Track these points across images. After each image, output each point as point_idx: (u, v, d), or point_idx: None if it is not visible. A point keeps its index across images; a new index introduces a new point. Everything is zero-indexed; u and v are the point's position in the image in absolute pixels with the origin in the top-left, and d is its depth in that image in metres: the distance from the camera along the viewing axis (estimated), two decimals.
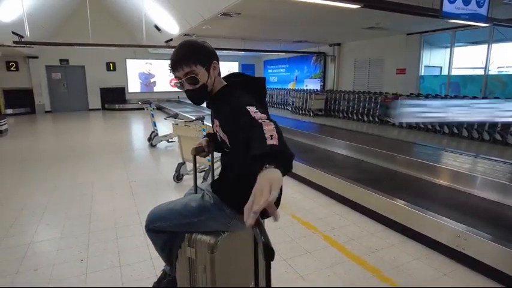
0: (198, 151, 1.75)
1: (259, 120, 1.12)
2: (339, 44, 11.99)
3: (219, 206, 1.51)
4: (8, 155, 6.57)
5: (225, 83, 1.50)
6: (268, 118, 1.15)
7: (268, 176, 0.94)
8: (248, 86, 1.46)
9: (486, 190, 3.62)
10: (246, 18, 7.21)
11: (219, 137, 1.49)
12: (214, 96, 1.48)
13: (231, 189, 1.48)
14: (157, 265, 2.44)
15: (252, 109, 1.19)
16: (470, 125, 6.97)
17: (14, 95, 12.79)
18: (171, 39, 10.04)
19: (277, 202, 1.46)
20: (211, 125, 1.61)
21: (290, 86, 15.08)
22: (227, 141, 1.41)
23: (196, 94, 1.45)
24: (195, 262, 1.52)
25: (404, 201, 3.09)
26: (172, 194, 4.09)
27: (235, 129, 1.25)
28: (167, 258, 1.75)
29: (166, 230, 1.62)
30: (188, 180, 4.51)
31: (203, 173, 4.22)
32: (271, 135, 1.06)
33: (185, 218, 1.55)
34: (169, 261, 1.74)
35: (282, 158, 1.01)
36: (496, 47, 7.76)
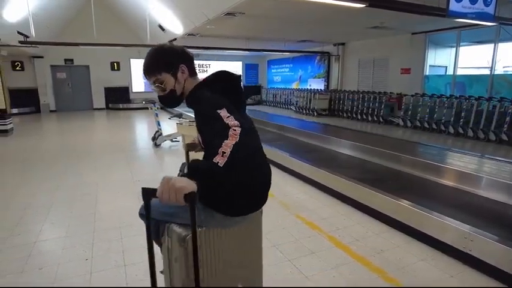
0: (191, 147, 1.76)
1: (229, 130, 1.18)
2: (343, 44, 11.94)
3: None
4: (14, 154, 6.62)
5: (198, 82, 1.51)
6: (240, 125, 1.19)
7: (178, 183, 1.09)
8: (223, 85, 1.45)
9: (492, 191, 3.59)
10: (250, 18, 7.20)
11: (199, 136, 1.52)
12: (186, 98, 1.52)
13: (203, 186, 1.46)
14: (158, 265, 2.44)
15: (223, 113, 1.23)
16: (475, 125, 6.93)
17: (19, 94, 12.88)
18: (175, 39, 10.05)
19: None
20: None
21: (294, 85, 15.05)
22: (201, 140, 1.46)
23: (167, 99, 1.51)
24: (171, 252, 1.53)
25: (410, 202, 3.07)
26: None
27: (207, 132, 1.32)
28: (157, 243, 1.76)
29: (151, 217, 1.64)
30: None
31: None
32: (224, 152, 1.13)
33: (163, 207, 1.52)
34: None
35: (208, 179, 1.14)
36: (503, 46, 7.68)
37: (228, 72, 1.53)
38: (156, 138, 6.82)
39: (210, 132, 1.27)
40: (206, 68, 16.66)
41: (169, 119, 6.45)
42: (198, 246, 1.23)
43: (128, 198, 3.81)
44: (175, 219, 1.53)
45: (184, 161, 4.69)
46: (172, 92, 1.48)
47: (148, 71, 1.47)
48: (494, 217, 3.16)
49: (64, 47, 12.13)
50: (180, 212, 1.51)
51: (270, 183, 1.57)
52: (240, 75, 1.58)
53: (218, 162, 1.12)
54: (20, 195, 4.05)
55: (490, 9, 4.64)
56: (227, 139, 1.15)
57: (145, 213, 1.23)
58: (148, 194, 1.18)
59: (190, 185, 1.11)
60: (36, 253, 2.64)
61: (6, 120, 8.29)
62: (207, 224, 1.50)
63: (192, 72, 1.51)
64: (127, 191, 4.07)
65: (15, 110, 12.03)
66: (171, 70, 1.45)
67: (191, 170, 1.17)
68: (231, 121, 1.20)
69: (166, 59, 1.47)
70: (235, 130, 1.18)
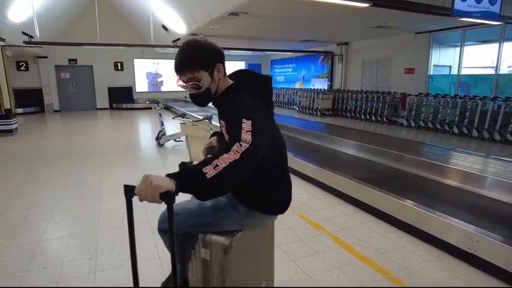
0: (210, 151, 1.73)
1: (238, 144, 1.17)
2: (346, 43, 11.91)
3: (232, 203, 1.51)
4: (18, 153, 6.65)
5: (231, 82, 1.48)
6: (252, 142, 1.18)
7: (155, 181, 1.11)
8: (254, 86, 1.44)
9: (498, 191, 3.56)
10: (253, 18, 7.20)
11: (226, 138, 1.49)
12: (219, 97, 1.47)
13: (244, 188, 1.47)
14: (165, 264, 2.44)
15: (246, 125, 1.21)
16: (480, 125, 6.88)
17: (24, 94, 12.97)
18: (179, 39, 10.06)
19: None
20: (218, 124, 1.60)
21: (297, 85, 15.03)
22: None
23: (200, 98, 1.45)
24: (210, 263, 1.51)
25: (414, 202, 3.05)
26: (180, 194, 4.09)
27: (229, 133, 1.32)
28: (179, 258, 1.73)
29: (180, 231, 1.57)
30: None
31: None
32: (217, 165, 1.13)
33: (200, 217, 1.55)
34: (181, 261, 1.73)
35: (191, 184, 1.16)
36: (508, 45, 7.63)
37: (259, 74, 1.53)
38: (160, 138, 6.83)
39: (229, 135, 1.30)
40: None
41: (173, 118, 6.45)
42: (175, 247, 1.22)
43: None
44: (211, 228, 1.53)
45: (184, 160, 4.70)
46: (207, 91, 1.41)
47: (184, 68, 1.38)
48: (500, 218, 3.13)
49: (68, 47, 12.19)
50: (218, 219, 1.53)
51: (289, 186, 1.60)
52: (272, 77, 1.57)
53: (207, 172, 1.12)
54: (25, 194, 4.07)
55: (496, 8, 4.60)
56: (227, 153, 1.15)
57: (127, 210, 1.23)
58: (130, 191, 1.16)
59: (167, 184, 1.11)
60: (40, 252, 2.65)
61: (11, 120, 8.34)
62: (247, 227, 1.55)
63: (225, 72, 1.48)
64: None
65: (19, 110, 12.11)
66: (209, 68, 1.39)
67: (180, 169, 1.19)
68: (246, 135, 1.19)
69: (205, 57, 1.39)
70: (241, 146, 1.16)
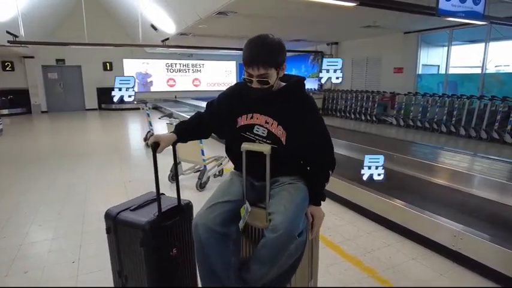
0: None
1: (332, 152, 1.62)
2: (336, 43, 11.96)
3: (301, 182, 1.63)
4: (3, 155, 6.52)
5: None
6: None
7: (322, 214, 1.62)
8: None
9: (483, 189, 3.60)
10: (242, 17, 7.17)
11: (263, 131, 1.50)
12: (276, 92, 1.50)
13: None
14: None
15: (329, 133, 1.59)
16: (467, 124, 6.98)
17: (10, 95, 12.72)
18: (168, 39, 9.99)
19: None
20: (240, 116, 1.56)
21: None
22: (283, 138, 1.48)
23: (261, 92, 1.46)
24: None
25: (401, 201, 3.06)
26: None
27: (321, 135, 1.56)
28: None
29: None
30: (183, 180, 4.47)
31: (198, 173, 4.17)
32: (328, 178, 1.64)
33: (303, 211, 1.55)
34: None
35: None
36: (494, 45, 7.75)
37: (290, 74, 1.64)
38: (148, 139, 6.75)
39: (326, 137, 1.57)
40: (200, 67, 16.59)
41: (160, 118, 6.38)
42: None
43: (119, 199, 3.74)
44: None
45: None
46: (270, 88, 1.44)
47: (260, 63, 1.37)
48: (485, 215, 3.17)
49: (55, 47, 11.97)
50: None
51: None
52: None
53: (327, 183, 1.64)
54: (9, 196, 3.98)
55: (479, 8, 4.66)
56: (332, 167, 1.65)
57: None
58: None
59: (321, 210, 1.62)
60: (21, 256, 2.58)
61: None
62: None
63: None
64: (117, 192, 4.02)
65: (5, 111, 11.90)
66: (278, 68, 1.43)
67: (320, 194, 1.62)
68: (331, 142, 1.61)
69: (279, 56, 1.43)
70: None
